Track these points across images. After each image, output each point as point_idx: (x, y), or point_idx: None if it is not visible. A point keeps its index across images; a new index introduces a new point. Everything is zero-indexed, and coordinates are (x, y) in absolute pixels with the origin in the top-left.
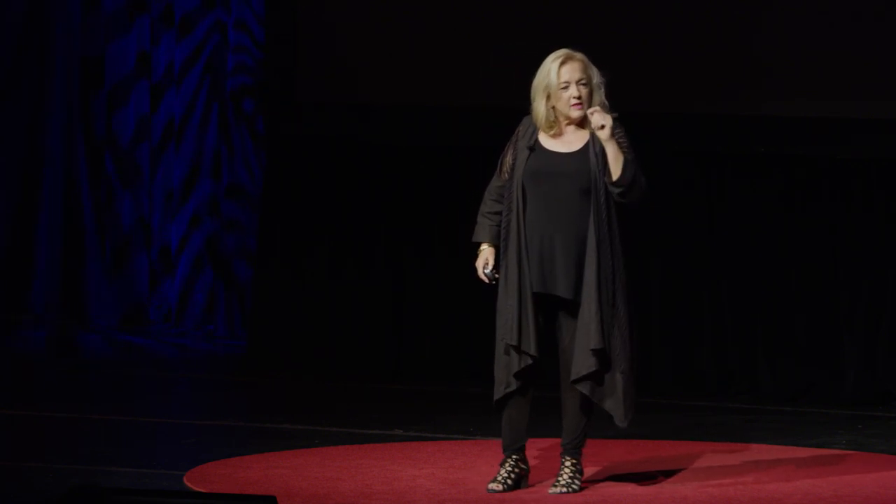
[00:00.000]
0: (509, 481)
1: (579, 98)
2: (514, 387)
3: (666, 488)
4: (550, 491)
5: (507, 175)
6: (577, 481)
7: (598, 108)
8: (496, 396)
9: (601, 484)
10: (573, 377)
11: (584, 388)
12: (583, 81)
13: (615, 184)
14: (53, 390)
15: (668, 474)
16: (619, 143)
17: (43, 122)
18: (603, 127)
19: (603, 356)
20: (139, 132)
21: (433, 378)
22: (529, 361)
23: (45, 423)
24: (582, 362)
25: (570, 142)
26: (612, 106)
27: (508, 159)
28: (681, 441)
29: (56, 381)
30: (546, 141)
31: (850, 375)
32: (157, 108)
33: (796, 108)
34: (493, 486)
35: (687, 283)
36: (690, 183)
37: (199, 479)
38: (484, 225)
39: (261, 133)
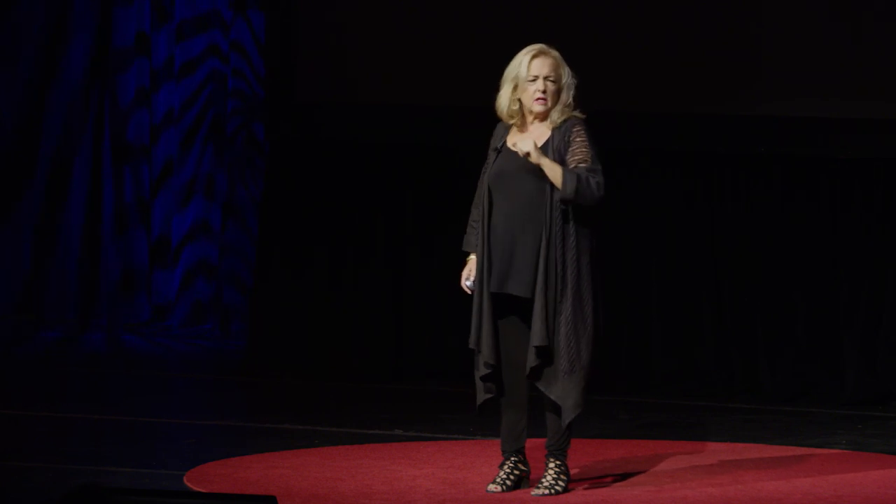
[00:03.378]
0: (508, 482)
1: (544, 93)
2: (493, 392)
3: (666, 488)
4: (533, 493)
5: None
6: (561, 482)
7: (522, 138)
8: (478, 401)
9: (601, 484)
10: (526, 373)
11: (540, 385)
12: (551, 78)
13: (560, 198)
14: (50, 390)
15: (668, 474)
16: (581, 150)
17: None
18: (529, 154)
19: (547, 353)
20: (138, 101)
21: (433, 378)
22: (487, 370)
23: (45, 423)
24: (530, 358)
25: (531, 139)
26: (611, 106)
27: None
28: (681, 441)
29: (54, 380)
30: (511, 141)
31: (850, 375)
32: (157, 90)
33: (796, 108)
34: (492, 487)
35: (687, 283)
36: (690, 183)
37: (199, 479)
38: (470, 234)
39: (259, 148)
